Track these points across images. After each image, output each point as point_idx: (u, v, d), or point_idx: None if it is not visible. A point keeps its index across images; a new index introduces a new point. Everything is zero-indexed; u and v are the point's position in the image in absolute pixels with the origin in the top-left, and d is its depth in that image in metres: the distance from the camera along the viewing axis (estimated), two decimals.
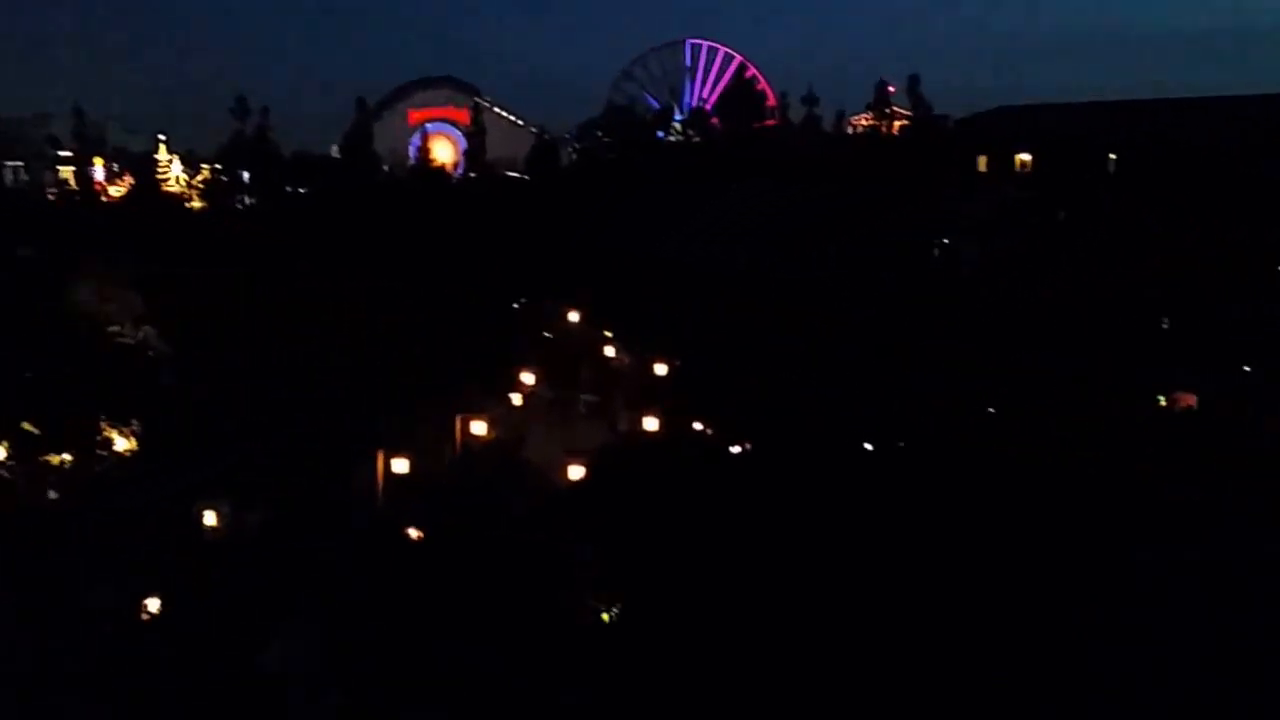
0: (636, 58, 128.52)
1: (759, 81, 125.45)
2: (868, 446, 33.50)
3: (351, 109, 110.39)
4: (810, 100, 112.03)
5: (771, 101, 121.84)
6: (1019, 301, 54.01)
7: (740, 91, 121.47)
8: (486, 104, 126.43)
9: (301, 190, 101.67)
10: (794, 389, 39.03)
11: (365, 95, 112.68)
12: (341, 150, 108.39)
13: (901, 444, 33.41)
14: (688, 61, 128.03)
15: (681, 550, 23.40)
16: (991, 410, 38.13)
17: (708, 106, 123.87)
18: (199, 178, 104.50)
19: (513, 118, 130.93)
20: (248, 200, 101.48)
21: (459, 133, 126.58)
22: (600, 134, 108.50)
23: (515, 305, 60.82)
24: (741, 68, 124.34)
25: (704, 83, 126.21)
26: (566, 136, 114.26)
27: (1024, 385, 39.37)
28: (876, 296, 56.33)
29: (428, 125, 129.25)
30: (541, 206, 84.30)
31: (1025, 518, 25.27)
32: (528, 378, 45.43)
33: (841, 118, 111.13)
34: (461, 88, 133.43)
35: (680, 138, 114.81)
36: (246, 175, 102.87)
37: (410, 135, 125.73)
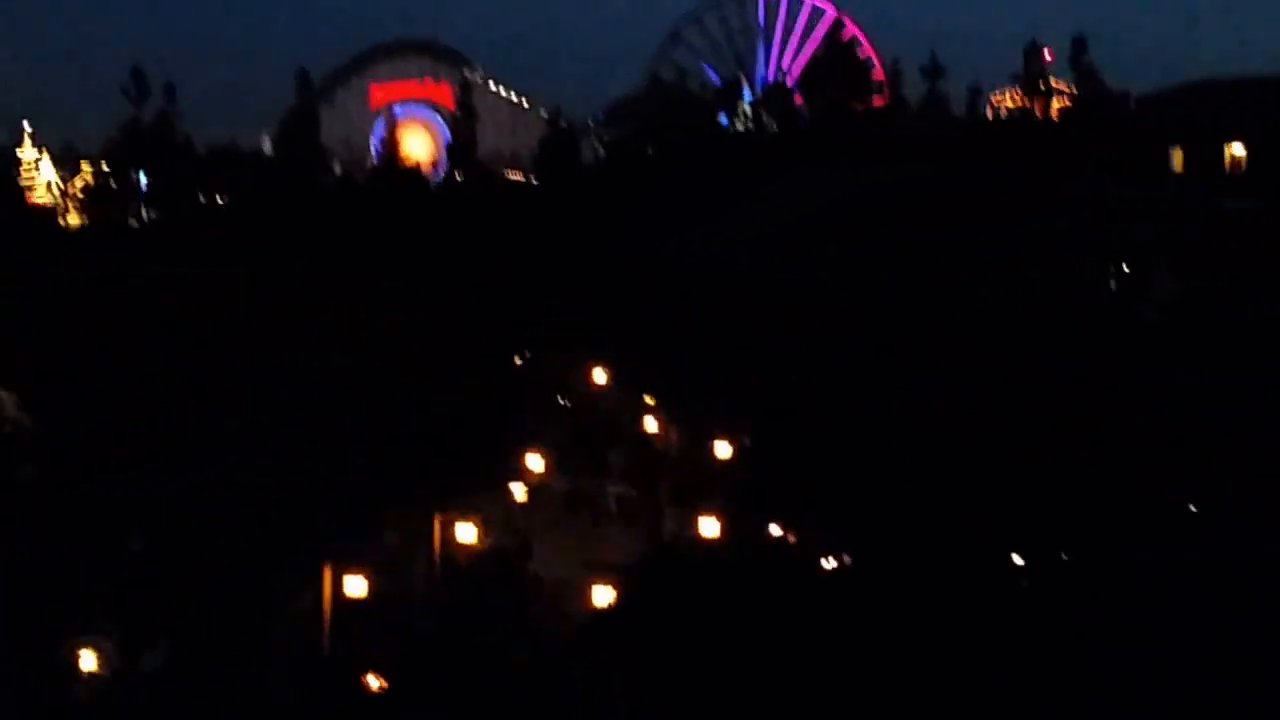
0: (689, 14, 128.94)
1: (861, 45, 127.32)
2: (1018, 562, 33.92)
3: (291, 88, 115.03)
4: (933, 71, 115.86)
5: (879, 74, 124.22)
6: (1235, 360, 54.28)
7: (836, 59, 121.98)
8: (478, 79, 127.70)
9: (220, 199, 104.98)
10: (919, 482, 38.92)
11: (309, 67, 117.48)
12: (275, 143, 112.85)
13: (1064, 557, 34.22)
14: (761, 19, 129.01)
15: (753, 714, 23.68)
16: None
17: (789, 80, 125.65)
18: (77, 182, 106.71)
19: (514, 97, 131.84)
20: (145, 213, 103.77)
21: (439, 118, 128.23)
22: (637, 119, 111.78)
23: (518, 358, 62.29)
24: (837, 27, 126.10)
25: (784, 48, 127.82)
26: (590, 124, 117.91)
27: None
28: (1033, 343, 56.87)
29: (396, 109, 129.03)
30: (554, 219, 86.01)
31: None
32: (535, 462, 45.42)
33: (978, 95, 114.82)
34: (443, 56, 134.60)
35: (750, 124, 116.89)
36: (144, 178, 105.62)
37: (372, 122, 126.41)
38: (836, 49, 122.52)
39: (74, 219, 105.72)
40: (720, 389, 50.65)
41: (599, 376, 55.58)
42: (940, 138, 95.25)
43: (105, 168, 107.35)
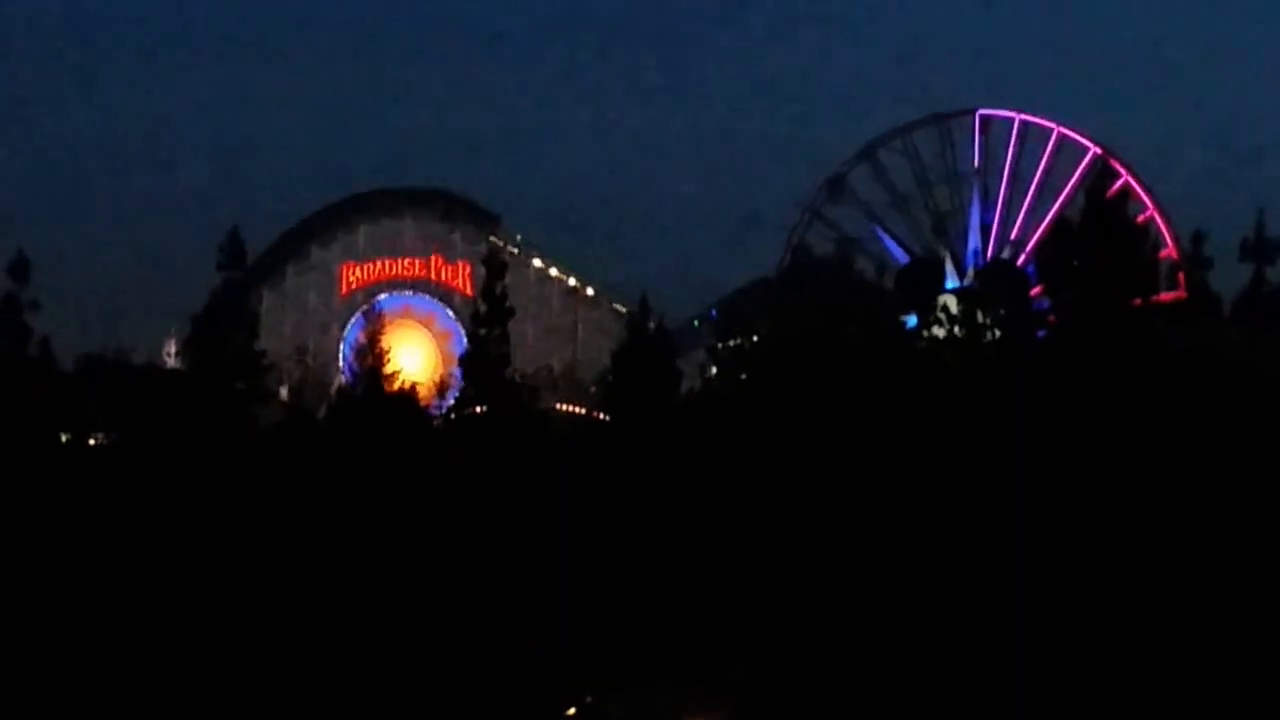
0: (862, 149, 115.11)
1: (1139, 202, 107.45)
2: None
3: (211, 265, 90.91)
4: (1259, 248, 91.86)
5: (1170, 249, 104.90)
6: None
7: (1099, 225, 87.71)
8: (513, 250, 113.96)
9: (93, 439, 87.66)
10: None
11: (244, 230, 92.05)
12: (184, 352, 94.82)
13: None
14: (975, 156, 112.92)
15: None
16: None
17: (1022, 256, 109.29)
18: None
19: (570, 280, 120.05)
20: None
21: (449, 314, 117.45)
22: (773, 319, 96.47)
23: (570, 713, 59.66)
24: (1101, 173, 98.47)
25: (1013, 205, 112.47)
26: (695, 326, 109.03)
27: None
28: None
29: (382, 299, 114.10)
30: (638, 492, 69.75)
31: None
32: None
33: None
34: (458, 213, 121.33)
35: (957, 327, 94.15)
36: None
37: (340, 317, 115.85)
38: (1099, 208, 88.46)
39: None
40: None
41: None
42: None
43: None
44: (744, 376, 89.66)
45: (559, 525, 67.13)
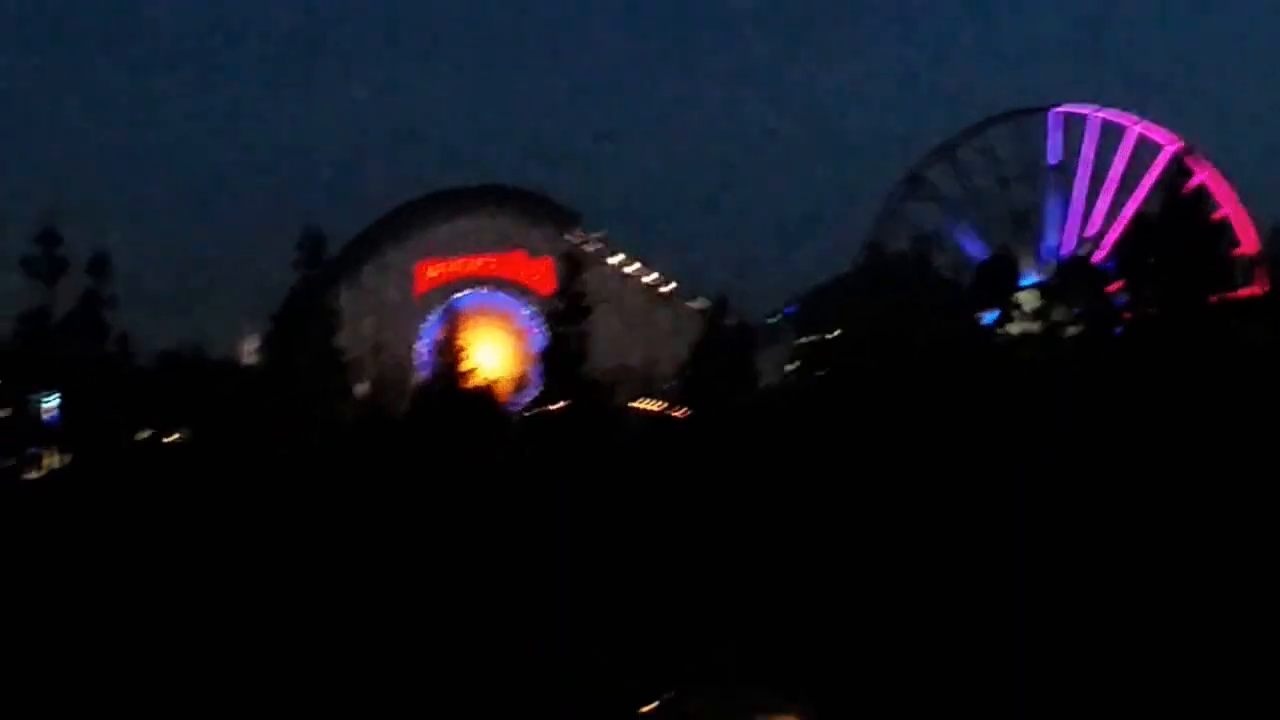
0: (940, 146, 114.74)
1: (1219, 200, 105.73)
2: None
3: (289, 265, 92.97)
4: None
5: (1249, 244, 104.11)
6: None
7: (1176, 220, 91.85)
8: (592, 248, 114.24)
9: (171, 435, 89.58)
10: None
11: (324, 229, 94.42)
12: (263, 349, 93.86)
13: None
14: (1053, 153, 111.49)
15: None
16: None
17: (1099, 252, 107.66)
18: None
19: (649, 277, 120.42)
20: (50, 457, 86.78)
21: (528, 310, 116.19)
22: (848, 316, 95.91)
23: (649, 709, 43.57)
24: (1178, 170, 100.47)
25: (1091, 202, 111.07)
26: (772, 323, 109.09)
27: None
28: None
29: (459, 299, 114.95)
30: (718, 488, 65.31)
31: None
32: None
33: None
34: (538, 211, 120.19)
35: (1036, 322, 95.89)
36: (52, 401, 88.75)
37: (418, 314, 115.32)
38: (1177, 204, 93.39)
39: None
40: None
41: None
42: None
43: None
44: (821, 373, 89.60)
45: (627, 520, 60.71)
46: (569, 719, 40.78)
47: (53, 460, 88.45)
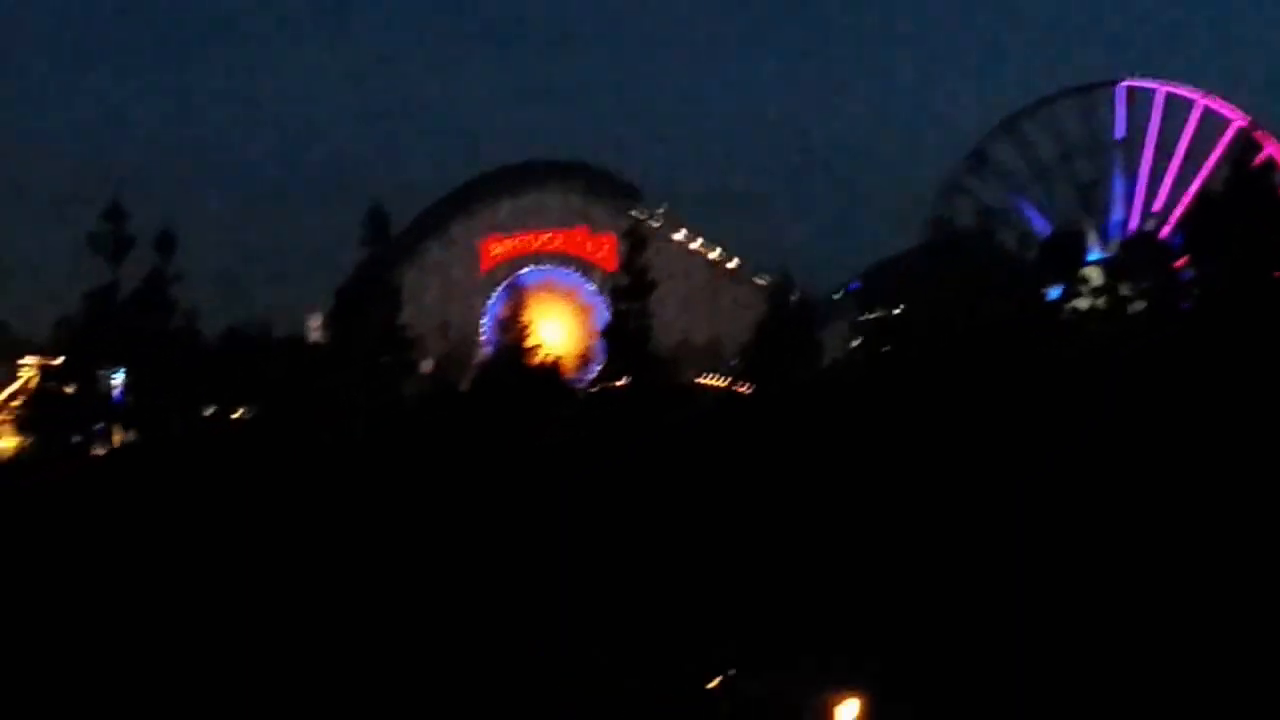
0: (1004, 121, 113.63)
1: None
2: None
3: (354, 242, 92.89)
4: None
5: None
6: None
7: (1243, 195, 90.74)
8: (656, 223, 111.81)
9: (237, 412, 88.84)
10: None
11: (388, 207, 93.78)
12: (328, 325, 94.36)
13: None
14: (1120, 127, 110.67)
15: None
16: None
17: (1165, 228, 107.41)
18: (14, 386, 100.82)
19: (713, 253, 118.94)
20: (117, 432, 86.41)
21: (591, 286, 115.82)
22: (912, 292, 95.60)
23: (713, 685, 52.76)
24: (1245, 145, 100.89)
25: (1157, 176, 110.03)
26: (837, 298, 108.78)
27: None
28: None
29: (524, 275, 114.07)
30: (782, 465, 66.47)
31: None
32: None
33: None
34: (602, 187, 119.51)
35: (1102, 298, 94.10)
36: (119, 378, 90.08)
37: (483, 289, 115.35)
38: (1244, 178, 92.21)
39: (7, 442, 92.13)
40: None
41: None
42: None
43: (55, 364, 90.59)
44: (885, 349, 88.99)
45: (685, 495, 62.94)
46: (637, 687, 42.03)
47: (121, 436, 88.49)
